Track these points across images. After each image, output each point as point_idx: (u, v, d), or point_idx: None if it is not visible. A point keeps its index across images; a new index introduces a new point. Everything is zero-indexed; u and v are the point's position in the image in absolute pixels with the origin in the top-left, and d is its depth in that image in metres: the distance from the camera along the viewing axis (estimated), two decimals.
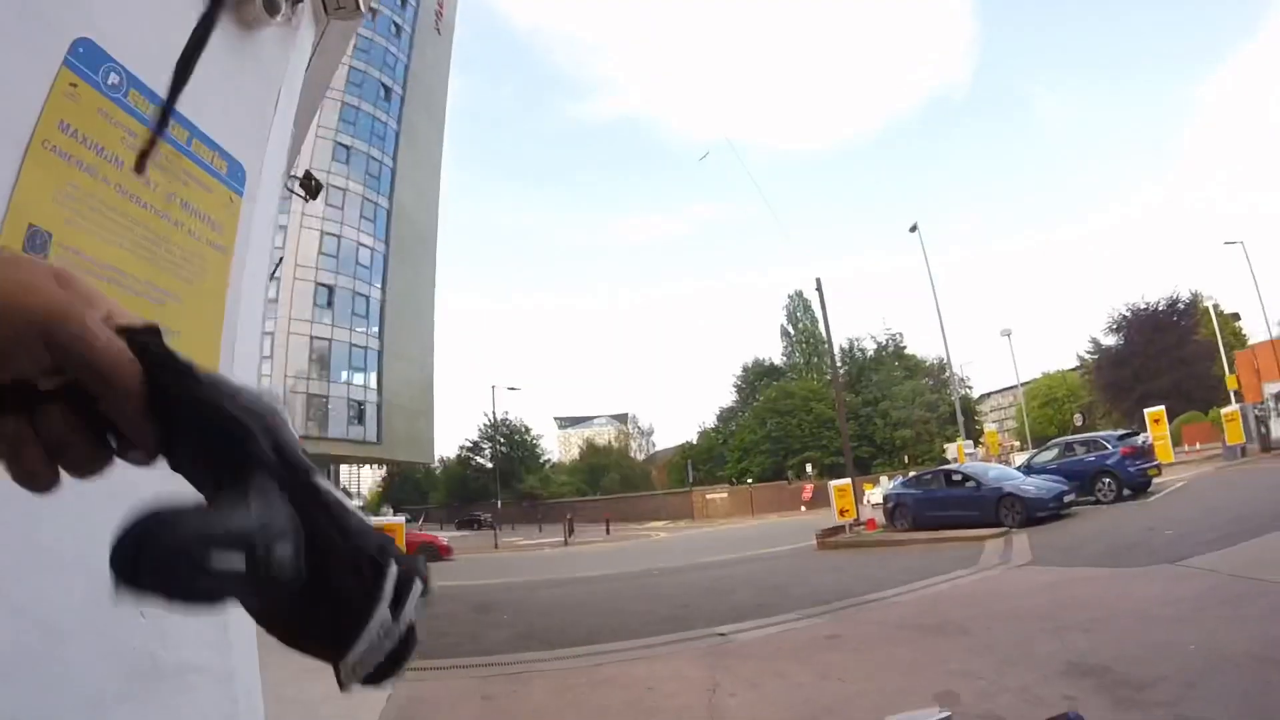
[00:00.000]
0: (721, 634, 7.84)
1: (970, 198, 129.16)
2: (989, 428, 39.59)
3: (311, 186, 8.58)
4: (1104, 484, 16.20)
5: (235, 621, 2.06)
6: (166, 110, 2.01)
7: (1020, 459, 23.25)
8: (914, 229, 33.32)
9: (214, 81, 2.23)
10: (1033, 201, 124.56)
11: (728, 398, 70.39)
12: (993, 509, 15.00)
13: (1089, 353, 48.38)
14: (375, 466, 69.55)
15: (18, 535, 1.54)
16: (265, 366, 42.07)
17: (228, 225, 2.22)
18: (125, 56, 1.92)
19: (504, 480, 58.30)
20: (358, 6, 2.82)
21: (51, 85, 1.72)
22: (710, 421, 70.36)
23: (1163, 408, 21.20)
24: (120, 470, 1.51)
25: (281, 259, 32.81)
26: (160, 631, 1.82)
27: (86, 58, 1.81)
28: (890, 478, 29.70)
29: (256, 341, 2.36)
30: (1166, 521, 11.52)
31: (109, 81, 1.87)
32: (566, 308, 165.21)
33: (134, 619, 1.78)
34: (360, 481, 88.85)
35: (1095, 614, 6.53)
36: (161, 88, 2.01)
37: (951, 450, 27.53)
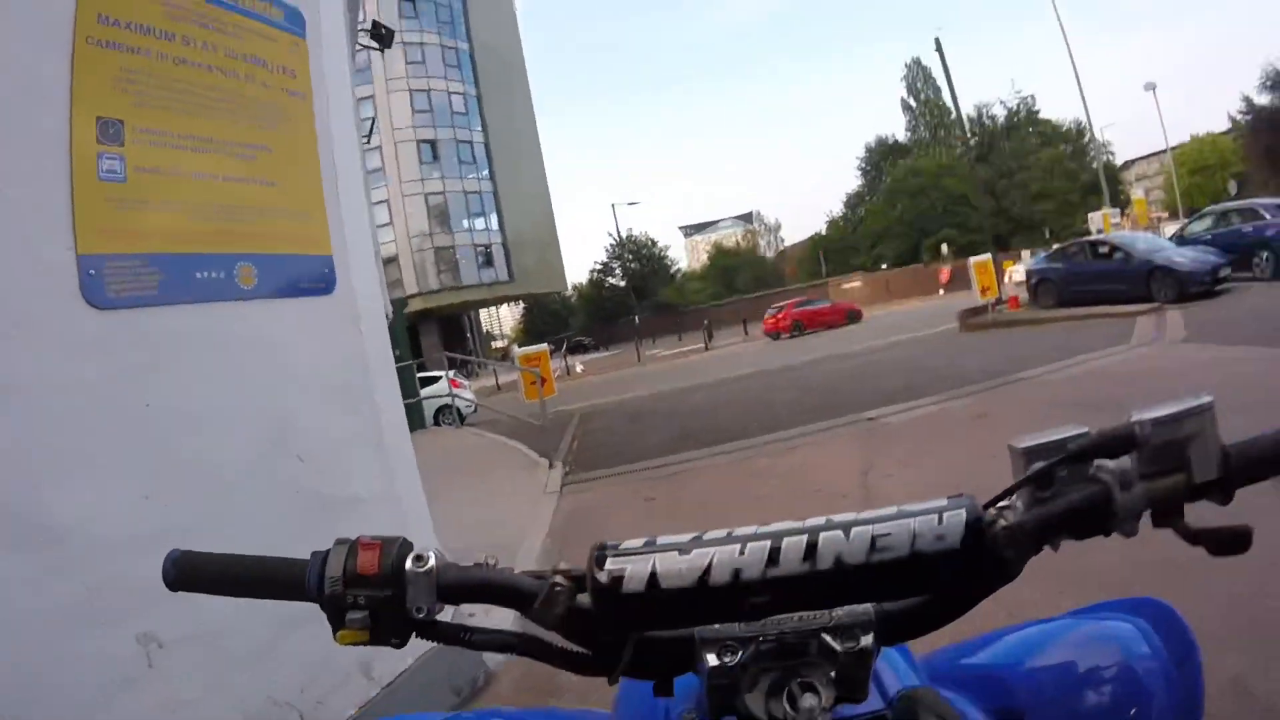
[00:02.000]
0: (871, 418, 7.86)
1: None
2: (1136, 195, 36.12)
3: (382, 35, 8.40)
4: (1261, 258, 14.62)
5: (392, 449, 2.18)
6: None
7: (1170, 229, 21.37)
8: None
9: None
10: None
11: (853, 183, 67.66)
12: (1143, 282, 13.96)
13: (1241, 113, 42.33)
14: (512, 304, 72.09)
15: (167, 404, 1.64)
16: (387, 234, 43.54)
17: (300, 70, 2.17)
18: None
19: (638, 295, 59.38)
20: None
21: None
22: (838, 210, 68.23)
23: None
24: (246, 325, 1.49)
25: (374, 120, 33.02)
26: (322, 471, 1.94)
27: None
28: (1032, 253, 28.05)
29: (358, 179, 2.36)
30: None
31: None
32: (673, 112, 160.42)
33: (294, 463, 1.90)
34: (500, 322, 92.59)
35: (1255, 395, 6.06)
36: None
37: (1096, 221, 25.56)
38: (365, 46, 8.50)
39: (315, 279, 2.04)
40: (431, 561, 0.59)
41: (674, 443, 8.73)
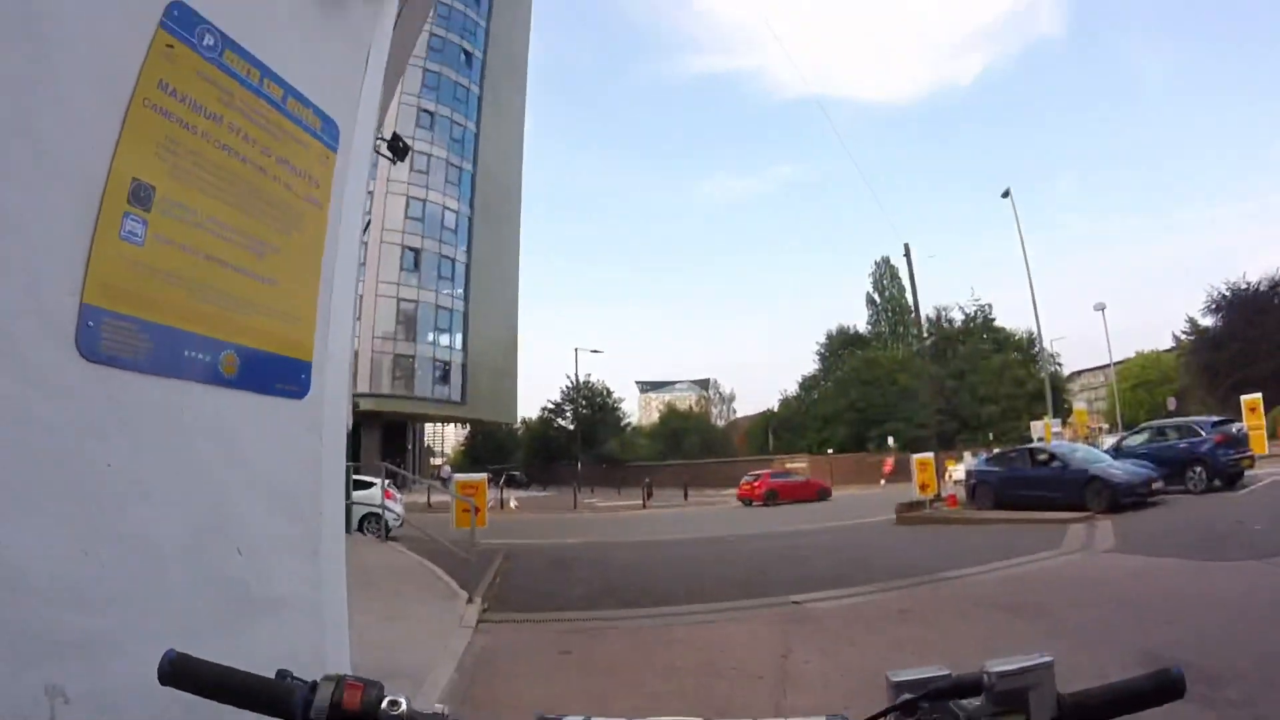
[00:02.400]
0: (795, 602, 7.83)
1: (1068, 165, 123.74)
2: (1078, 406, 37.74)
3: (399, 148, 8.75)
4: (1194, 472, 15.41)
5: (327, 559, 2.17)
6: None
7: (1109, 441, 22.36)
8: (1006, 194, 31.85)
9: (306, 42, 2.29)
10: (1136, 175, 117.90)
11: (811, 366, 69.30)
12: (1078, 491, 14.44)
13: (1185, 333, 45.13)
14: (459, 425, 71.36)
15: (126, 468, 1.66)
16: (353, 328, 43.36)
17: (324, 180, 2.29)
18: (219, 18, 1.99)
19: (585, 442, 58.96)
20: None
21: (149, 46, 1.80)
22: (792, 389, 69.31)
23: (1259, 395, 20.02)
24: (217, 411, 1.56)
25: (369, 222, 33.76)
26: (256, 566, 1.93)
27: (181, 19, 1.89)
28: (974, 454, 28.92)
29: (351, 292, 2.45)
30: (1257, 516, 11.04)
31: (204, 42, 1.94)
32: (650, 270, 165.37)
33: (232, 553, 1.89)
34: (444, 440, 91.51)
35: (1178, 605, 6.33)
36: (256, 47, 2.08)
37: (1038, 428, 26.62)
38: (380, 155, 8.85)
39: (291, 382, 2.09)
40: (403, 707, 0.69)
41: (597, 597, 8.60)
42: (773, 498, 31.68)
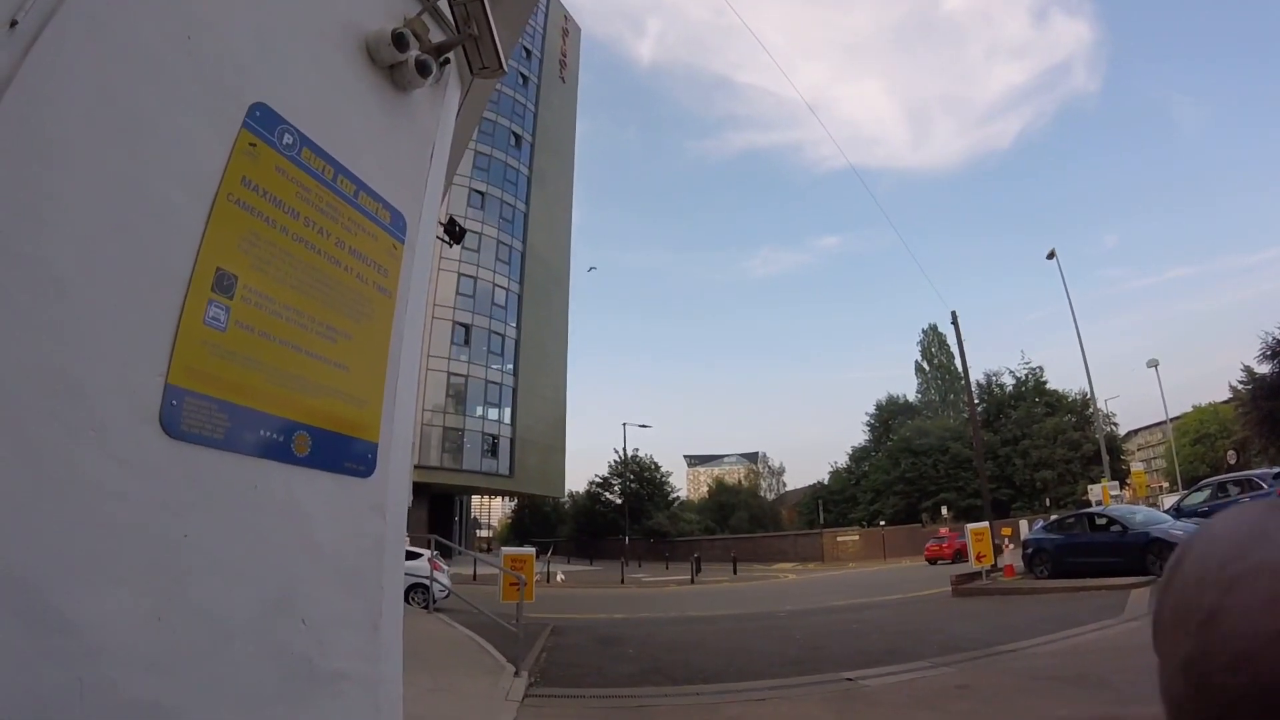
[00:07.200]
0: (850, 679, 7.61)
1: (1112, 217, 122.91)
2: (1136, 467, 36.41)
3: (455, 232, 8.98)
4: None
5: (386, 633, 2.23)
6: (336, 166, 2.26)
7: (1169, 500, 21.53)
8: (1051, 256, 31.32)
9: (376, 139, 2.47)
10: (1177, 227, 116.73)
11: (860, 437, 68.29)
12: (1139, 555, 13.93)
13: (1242, 383, 43.01)
14: (506, 498, 71.37)
15: (201, 541, 1.75)
16: (416, 411, 44.14)
17: (392, 270, 2.44)
18: (297, 118, 2.16)
19: (632, 516, 58.37)
20: (500, 65, 3.02)
21: (233, 145, 1.96)
22: (842, 461, 68.14)
23: None
24: (289, 488, 1.67)
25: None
26: (319, 640, 1.99)
27: (263, 120, 2.06)
28: (1030, 522, 28.02)
29: (414, 377, 2.57)
30: None
31: (284, 141, 2.11)
32: (698, 344, 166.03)
33: (297, 626, 1.96)
34: (490, 513, 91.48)
35: None
36: (331, 145, 2.24)
37: (1095, 492, 25.74)
38: (439, 238, 9.11)
39: (359, 462, 2.18)
40: None
41: (645, 674, 8.44)
42: (960, 557, 33.45)
